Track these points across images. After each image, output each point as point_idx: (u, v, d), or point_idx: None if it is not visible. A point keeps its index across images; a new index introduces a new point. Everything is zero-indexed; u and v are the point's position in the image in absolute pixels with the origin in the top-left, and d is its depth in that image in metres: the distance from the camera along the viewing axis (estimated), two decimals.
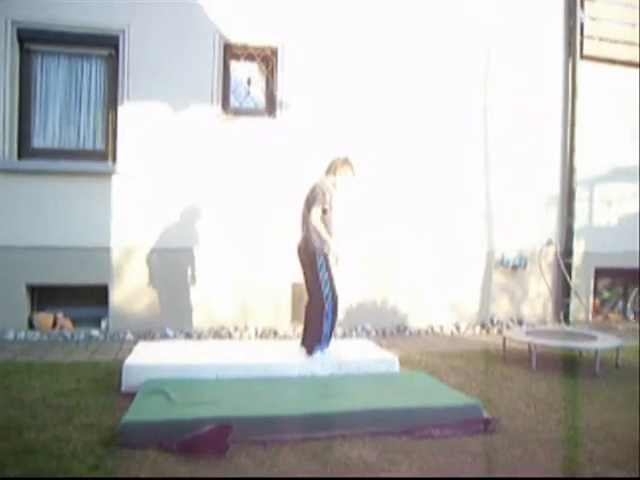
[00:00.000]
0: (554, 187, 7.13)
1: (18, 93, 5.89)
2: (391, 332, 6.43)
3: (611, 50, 7.14)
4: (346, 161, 4.66)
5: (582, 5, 7.06)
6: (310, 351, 4.45)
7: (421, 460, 3.00)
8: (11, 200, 5.77)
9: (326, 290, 4.39)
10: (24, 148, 5.92)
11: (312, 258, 4.41)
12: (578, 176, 7.06)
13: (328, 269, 4.44)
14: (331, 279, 4.44)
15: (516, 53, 6.86)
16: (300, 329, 6.19)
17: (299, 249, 4.56)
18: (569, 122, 7.05)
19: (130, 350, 4.62)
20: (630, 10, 7.14)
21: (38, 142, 6.01)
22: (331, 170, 4.63)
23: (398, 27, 6.48)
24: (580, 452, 3.18)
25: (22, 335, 5.66)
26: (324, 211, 4.39)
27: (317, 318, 4.43)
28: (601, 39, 7.12)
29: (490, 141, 6.84)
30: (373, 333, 6.34)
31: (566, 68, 7.09)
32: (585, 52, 7.06)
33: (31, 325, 5.86)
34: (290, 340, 5.92)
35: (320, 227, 4.35)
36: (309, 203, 4.44)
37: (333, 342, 4.56)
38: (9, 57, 5.75)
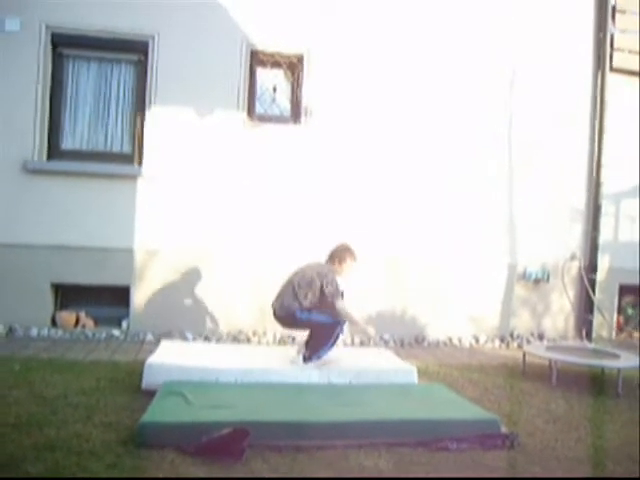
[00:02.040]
0: (579, 201, 7.03)
1: (49, 96, 6.03)
2: (409, 343, 6.40)
3: None
4: (348, 250, 4.77)
5: (613, 17, 6.98)
6: (306, 360, 4.54)
7: (436, 473, 2.97)
8: (39, 200, 5.89)
9: (324, 318, 4.49)
10: (53, 149, 6.05)
11: (292, 315, 4.54)
12: (604, 190, 6.96)
13: (311, 311, 4.52)
14: (320, 311, 4.52)
15: (544, 64, 6.80)
16: None
17: (274, 311, 4.67)
18: (597, 135, 6.95)
19: (150, 351, 4.67)
20: None
21: (67, 144, 6.14)
22: (335, 260, 4.73)
23: (425, 35, 6.49)
24: (599, 472, 3.12)
25: (45, 332, 5.77)
26: (325, 296, 4.49)
27: (322, 327, 4.55)
28: (630, 51, 7.04)
29: (514, 152, 6.79)
30: (391, 343, 6.31)
31: (595, 80, 7.00)
32: (615, 65, 6.97)
33: (54, 323, 5.97)
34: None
35: (348, 310, 4.54)
36: (327, 293, 4.49)
37: (348, 350, 4.63)
38: (42, 60, 5.90)
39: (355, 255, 4.77)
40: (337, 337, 4.64)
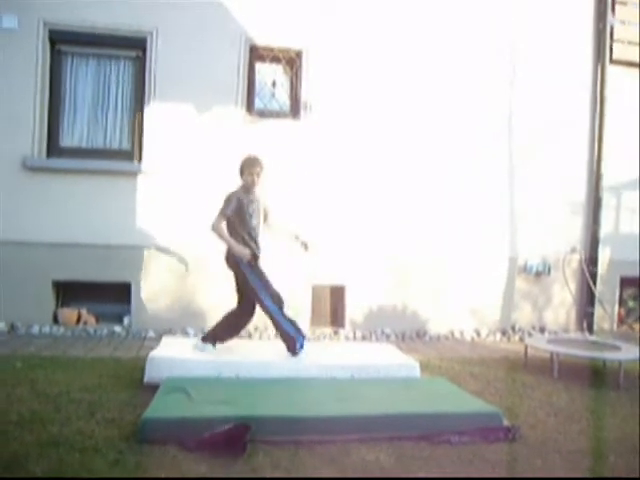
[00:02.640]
0: (580, 193, 7.03)
1: (48, 93, 6.02)
2: (411, 336, 6.41)
3: None
4: (248, 159, 4.57)
5: (613, 8, 6.95)
6: (293, 352, 4.41)
7: (438, 467, 2.97)
8: (39, 197, 5.90)
9: (261, 292, 4.39)
10: (53, 147, 6.05)
11: (235, 266, 4.44)
12: (605, 183, 6.95)
13: (257, 274, 4.44)
14: (264, 282, 4.44)
15: (543, 56, 6.79)
16: (319, 331, 6.24)
17: (225, 259, 4.52)
18: (597, 127, 6.94)
19: (151, 348, 4.68)
20: None
21: (66, 141, 6.13)
22: (240, 172, 4.57)
23: (424, 30, 6.47)
24: (601, 464, 3.13)
25: (47, 329, 5.78)
26: (241, 217, 4.40)
27: (275, 323, 4.44)
28: (630, 43, 7.01)
29: (515, 146, 6.78)
30: (393, 337, 6.32)
31: (595, 72, 6.99)
32: (615, 56, 6.95)
33: (56, 320, 5.98)
34: (310, 342, 5.93)
35: (222, 233, 4.37)
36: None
37: (350, 345, 4.59)
38: (40, 57, 5.88)
39: (258, 162, 4.55)
40: (289, 319, 4.46)
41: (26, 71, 5.84)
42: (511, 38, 6.69)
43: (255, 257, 4.50)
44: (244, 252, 4.36)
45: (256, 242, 4.56)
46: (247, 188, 4.51)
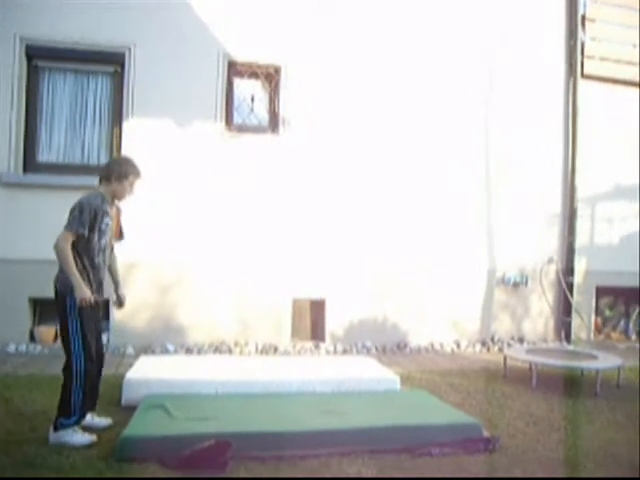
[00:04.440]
0: (555, 205, 7.16)
1: (25, 108, 5.97)
2: (391, 349, 6.42)
3: (612, 70, 7.22)
4: (125, 161, 3.62)
5: (583, 25, 7.15)
6: (55, 426, 3.26)
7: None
8: (16, 213, 5.82)
9: (75, 345, 3.28)
10: (29, 162, 5.99)
11: (60, 299, 3.33)
12: (579, 194, 7.10)
13: (81, 317, 3.27)
14: (84, 331, 3.29)
15: (518, 72, 6.94)
16: (300, 345, 6.23)
17: (54, 281, 3.41)
18: (570, 140, 7.10)
19: (130, 365, 4.62)
20: (630, 31, 7.23)
21: (43, 157, 6.08)
22: (106, 177, 3.49)
23: (400, 46, 6.57)
24: (580, 472, 3.17)
25: (23, 348, 5.68)
26: (84, 237, 3.32)
27: (66, 382, 3.31)
28: (602, 59, 7.21)
29: (491, 159, 6.89)
30: (373, 350, 6.33)
31: (567, 87, 7.16)
32: (586, 72, 7.14)
33: (32, 338, 5.88)
34: (290, 356, 5.92)
35: (67, 256, 3.24)
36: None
37: (331, 359, 4.44)
38: (17, 73, 5.84)
39: (137, 168, 3.55)
40: (82, 392, 3.28)
41: (2, 86, 5.79)
42: (487, 55, 6.82)
43: (94, 303, 3.32)
44: (84, 293, 3.22)
45: (99, 274, 3.44)
46: (111, 197, 3.50)
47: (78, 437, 3.24)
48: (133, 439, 3.11)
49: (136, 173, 3.53)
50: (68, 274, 3.23)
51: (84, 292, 3.22)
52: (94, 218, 3.33)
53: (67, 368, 3.32)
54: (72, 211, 3.33)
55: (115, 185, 3.47)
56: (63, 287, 3.30)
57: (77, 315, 3.28)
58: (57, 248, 3.26)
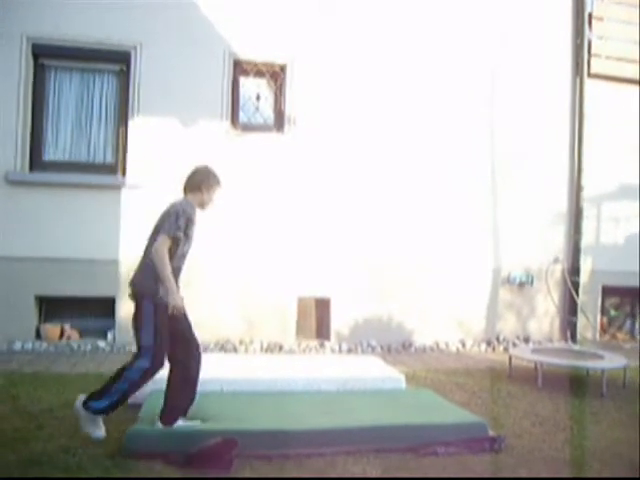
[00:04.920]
0: (561, 204, 7.13)
1: (31, 107, 5.99)
2: (396, 348, 6.42)
3: (618, 68, 7.18)
4: (211, 171, 3.63)
5: (590, 24, 7.12)
6: (85, 405, 3.22)
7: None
8: (22, 212, 5.84)
9: (147, 346, 3.24)
10: (36, 161, 6.01)
11: (139, 300, 3.30)
12: (585, 194, 7.07)
13: (156, 320, 3.24)
14: (158, 335, 3.24)
15: (524, 70, 6.91)
16: (305, 344, 6.24)
17: (131, 283, 3.39)
18: (576, 139, 7.08)
19: None
20: (637, 28, 7.18)
21: (49, 155, 6.10)
22: (196, 186, 3.55)
23: (406, 45, 6.55)
24: (586, 472, 3.16)
25: (29, 346, 5.70)
26: (176, 242, 3.29)
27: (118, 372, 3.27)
28: (608, 57, 7.17)
29: (497, 158, 6.87)
30: (378, 349, 6.33)
31: (573, 86, 7.13)
32: (592, 70, 7.11)
33: (38, 336, 5.90)
34: (295, 355, 5.93)
35: (165, 263, 3.19)
36: (157, 229, 3.33)
37: (336, 358, 4.42)
38: (24, 72, 5.86)
39: (218, 179, 3.61)
40: (128, 389, 3.22)
41: (8, 85, 5.81)
42: (492, 54, 6.80)
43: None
44: (177, 300, 3.23)
45: (178, 279, 3.44)
46: (198, 207, 3.54)
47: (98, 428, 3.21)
48: (139, 435, 3.13)
49: (220, 183, 3.60)
50: (163, 279, 3.20)
51: (177, 299, 3.23)
52: (186, 225, 3.34)
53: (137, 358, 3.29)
54: (167, 216, 3.33)
55: (204, 194, 3.53)
56: (142, 289, 3.30)
57: (153, 317, 3.24)
58: (157, 252, 3.22)
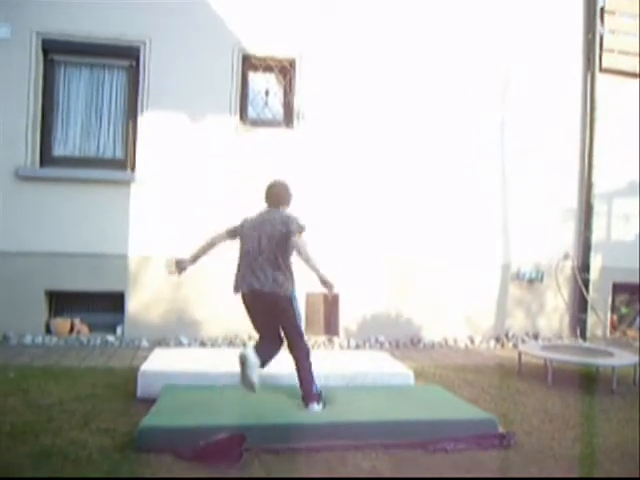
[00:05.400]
0: (572, 201, 7.08)
1: (41, 102, 6.01)
2: (405, 344, 6.41)
3: (630, 63, 7.10)
4: (288, 186, 4.09)
5: (602, 18, 7.04)
6: (308, 401, 3.67)
7: (433, 474, 2.97)
8: (32, 207, 5.87)
9: (302, 334, 3.81)
10: (46, 156, 6.03)
11: (286, 301, 3.71)
12: (596, 190, 7.01)
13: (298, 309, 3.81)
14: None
15: (534, 66, 6.85)
16: (314, 339, 6.23)
17: (263, 294, 3.72)
18: (587, 135, 7.01)
19: (145, 357, 4.65)
20: None
21: (59, 150, 6.12)
22: (285, 201, 4.06)
23: (416, 40, 6.51)
24: (596, 470, 3.14)
25: (39, 340, 5.74)
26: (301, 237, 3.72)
27: (305, 363, 3.74)
28: (620, 52, 7.10)
29: (507, 154, 6.82)
30: (387, 345, 6.32)
31: (585, 81, 7.06)
32: (604, 65, 7.03)
33: (48, 330, 5.94)
34: None
35: (313, 258, 3.56)
36: (286, 234, 3.70)
37: (345, 353, 4.44)
38: (34, 67, 5.88)
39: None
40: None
41: (19, 80, 5.83)
42: (503, 50, 6.74)
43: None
44: (332, 283, 3.62)
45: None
46: None
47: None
48: (151, 429, 3.13)
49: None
50: (317, 269, 3.55)
51: (330, 282, 3.58)
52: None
53: (296, 349, 3.72)
54: (291, 221, 3.75)
55: (286, 207, 4.04)
56: (287, 292, 3.71)
57: (298, 310, 3.78)
58: (306, 253, 3.58)
